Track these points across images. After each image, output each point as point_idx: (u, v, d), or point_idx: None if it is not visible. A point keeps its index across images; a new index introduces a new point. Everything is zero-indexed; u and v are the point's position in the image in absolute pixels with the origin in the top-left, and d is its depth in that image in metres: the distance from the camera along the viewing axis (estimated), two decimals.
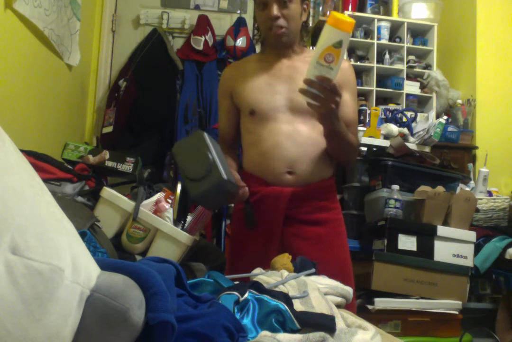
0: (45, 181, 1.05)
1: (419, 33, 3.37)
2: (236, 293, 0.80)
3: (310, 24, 3.25)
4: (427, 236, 2.29)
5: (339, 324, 0.81)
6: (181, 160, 1.29)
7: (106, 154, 1.60)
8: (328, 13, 3.22)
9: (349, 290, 1.08)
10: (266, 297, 0.81)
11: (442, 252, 2.28)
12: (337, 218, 1.68)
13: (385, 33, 3.25)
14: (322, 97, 1.30)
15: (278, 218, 1.58)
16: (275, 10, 1.56)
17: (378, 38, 3.23)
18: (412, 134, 2.88)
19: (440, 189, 2.40)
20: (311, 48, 2.70)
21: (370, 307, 2.18)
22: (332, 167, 1.67)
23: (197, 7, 3.43)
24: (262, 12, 1.61)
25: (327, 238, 1.61)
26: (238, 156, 1.81)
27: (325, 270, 1.25)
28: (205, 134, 1.29)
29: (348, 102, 1.60)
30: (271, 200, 1.59)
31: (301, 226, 1.60)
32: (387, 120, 2.95)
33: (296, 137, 1.58)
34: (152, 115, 3.05)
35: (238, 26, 3.22)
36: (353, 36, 3.24)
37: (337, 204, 1.71)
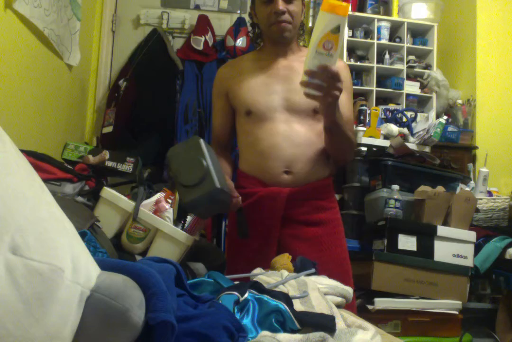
0: (45, 181, 1.05)
1: (419, 33, 3.37)
2: (236, 293, 0.80)
3: (310, 24, 3.26)
4: (427, 236, 2.29)
5: (339, 324, 0.82)
6: (175, 166, 1.24)
7: (106, 154, 1.60)
8: None
9: (349, 290, 1.08)
10: (266, 297, 0.81)
11: (442, 252, 2.28)
12: (335, 218, 1.67)
13: (385, 33, 3.25)
14: (325, 86, 1.28)
15: (276, 218, 1.58)
16: (281, 5, 1.56)
17: (378, 38, 3.23)
18: (412, 134, 2.88)
19: (440, 189, 2.40)
20: None
21: (370, 307, 2.18)
22: (329, 167, 1.67)
23: (197, 7, 3.43)
24: (265, 8, 1.59)
25: (325, 238, 1.61)
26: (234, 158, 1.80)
27: (324, 270, 1.25)
28: (201, 140, 1.26)
29: (344, 102, 1.58)
30: (268, 201, 1.58)
31: (299, 226, 1.59)
32: (387, 120, 2.95)
33: (293, 138, 1.58)
34: (152, 115, 3.05)
35: (238, 26, 3.21)
36: (353, 36, 3.24)
37: (335, 204, 1.70)
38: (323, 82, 1.27)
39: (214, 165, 1.24)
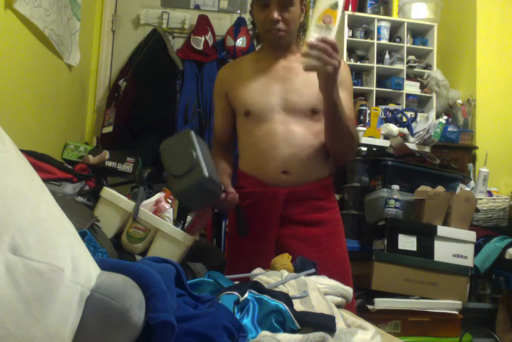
0: (45, 181, 1.05)
1: (419, 33, 3.37)
2: (236, 293, 0.79)
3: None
4: (427, 236, 2.29)
5: (339, 324, 0.81)
6: (166, 157, 1.28)
7: (106, 154, 1.60)
8: None
9: (349, 290, 1.08)
10: (266, 297, 0.81)
11: (442, 252, 2.28)
12: (334, 218, 1.66)
13: (385, 33, 3.25)
14: (324, 57, 1.29)
15: (274, 218, 1.58)
16: (275, 14, 1.55)
17: (378, 38, 3.23)
18: (412, 134, 2.88)
19: (440, 189, 2.40)
20: None
21: (370, 307, 2.18)
22: (329, 168, 1.66)
23: (197, 7, 3.43)
24: (261, 12, 1.59)
25: (324, 238, 1.60)
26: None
27: (323, 270, 1.25)
28: (192, 133, 1.28)
29: (344, 101, 1.57)
30: (267, 201, 1.58)
31: (297, 227, 1.59)
32: (387, 120, 2.95)
33: (290, 138, 1.58)
34: (152, 115, 3.05)
35: (238, 26, 3.21)
36: (353, 36, 3.24)
37: (334, 204, 1.69)
38: (322, 53, 1.29)
39: (204, 156, 1.26)
